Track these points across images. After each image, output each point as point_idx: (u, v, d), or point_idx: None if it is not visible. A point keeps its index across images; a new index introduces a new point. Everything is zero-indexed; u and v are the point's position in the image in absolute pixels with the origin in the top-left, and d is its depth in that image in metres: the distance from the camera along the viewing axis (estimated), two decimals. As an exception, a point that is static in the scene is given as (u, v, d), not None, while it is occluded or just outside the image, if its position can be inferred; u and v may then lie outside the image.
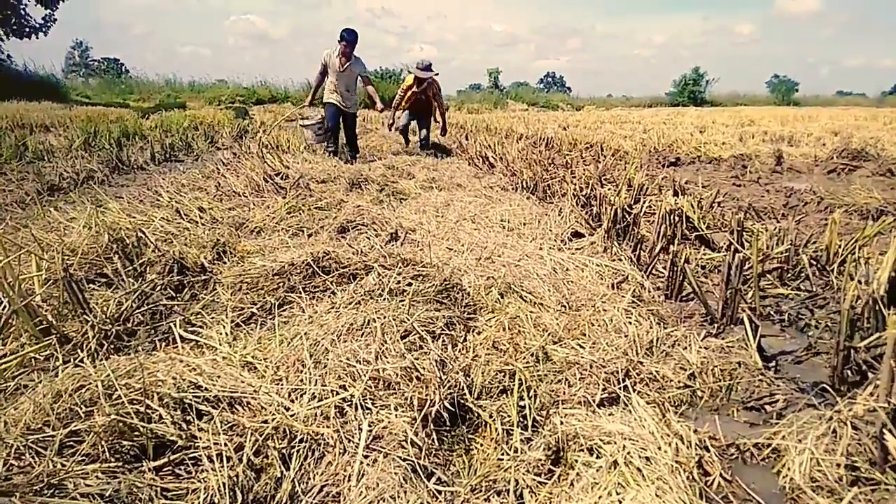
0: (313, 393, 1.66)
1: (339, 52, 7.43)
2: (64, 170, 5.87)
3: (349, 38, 7.43)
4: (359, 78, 7.78)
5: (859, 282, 2.17)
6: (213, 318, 2.32)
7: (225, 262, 2.96)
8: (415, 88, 8.80)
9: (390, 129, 9.69)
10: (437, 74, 8.93)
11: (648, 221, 4.00)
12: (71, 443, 1.45)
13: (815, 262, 3.13)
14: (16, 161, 6.50)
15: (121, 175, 6.44)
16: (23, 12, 21.84)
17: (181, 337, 2.02)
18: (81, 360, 1.82)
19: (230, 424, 1.55)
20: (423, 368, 1.77)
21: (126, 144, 7.98)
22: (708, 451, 1.61)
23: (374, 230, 3.53)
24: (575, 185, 4.62)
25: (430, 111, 9.20)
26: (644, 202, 4.14)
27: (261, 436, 1.51)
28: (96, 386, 1.54)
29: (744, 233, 3.56)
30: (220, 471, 1.42)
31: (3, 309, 2.05)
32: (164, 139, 8.69)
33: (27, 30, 21.93)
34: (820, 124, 13.46)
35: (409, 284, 2.32)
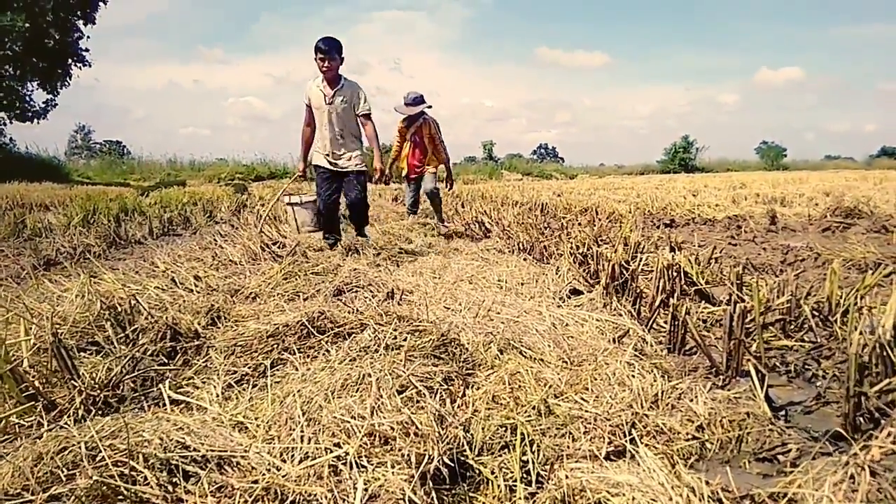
0: (306, 451, 1.59)
1: (321, 76, 5.23)
2: (61, 245, 5.88)
3: (325, 46, 5.06)
4: (355, 113, 5.35)
5: (862, 333, 2.12)
6: (204, 379, 2.25)
7: (219, 328, 2.91)
8: (408, 128, 7.38)
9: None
10: (429, 107, 7.35)
11: (647, 277, 3.97)
12: (50, 508, 1.37)
13: (817, 313, 3.08)
14: (13, 238, 6.53)
15: (118, 249, 6.44)
16: (27, 97, 22.42)
17: (170, 399, 1.96)
18: (66, 424, 1.76)
19: (219, 486, 1.47)
20: (421, 423, 1.70)
21: (125, 220, 8.02)
22: (721, 503, 1.53)
23: (371, 291, 3.50)
24: (571, 244, 4.62)
25: (423, 162, 7.53)
26: (641, 259, 4.13)
27: (251, 497, 1.44)
28: (79, 447, 1.48)
29: (743, 286, 3.54)
30: (208, 535, 1.34)
31: (-12, 375, 2.00)
32: (162, 214, 8.74)
33: (30, 114, 22.45)
34: (811, 185, 13.64)
35: (406, 339, 2.27)
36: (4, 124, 22.41)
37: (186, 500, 1.42)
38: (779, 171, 31.80)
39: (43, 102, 22.83)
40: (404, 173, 7.68)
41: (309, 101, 5.41)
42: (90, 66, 23.49)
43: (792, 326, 3.02)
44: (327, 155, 5.41)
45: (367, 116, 5.39)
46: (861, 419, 1.94)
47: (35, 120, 22.67)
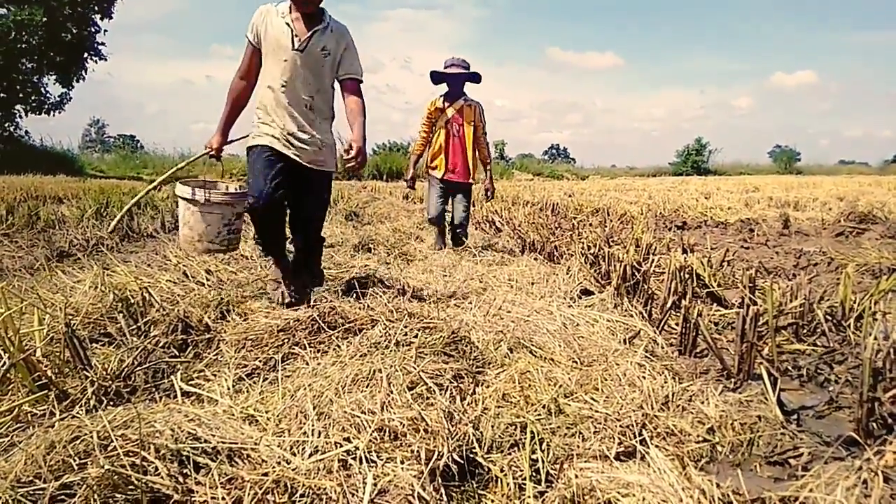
0: (316, 445, 1.60)
1: (291, 3, 3.20)
2: (74, 237, 5.92)
3: None
4: (335, 74, 3.32)
5: (876, 338, 2.10)
6: (215, 372, 2.26)
7: (229, 321, 2.92)
8: (445, 108, 5.32)
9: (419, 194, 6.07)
10: (477, 80, 5.40)
11: (658, 279, 3.96)
12: (62, 496, 1.38)
13: (830, 318, 3.06)
14: (27, 230, 6.57)
15: (131, 242, 6.47)
16: (42, 90, 22.57)
17: (182, 391, 1.97)
18: (78, 414, 1.77)
19: (229, 477, 1.48)
20: (431, 419, 1.70)
21: (137, 214, 8.06)
22: (732, 505, 1.52)
23: (381, 288, 3.50)
24: (582, 245, 4.60)
25: (466, 167, 5.41)
26: (653, 260, 4.11)
27: (261, 489, 1.44)
28: (91, 437, 1.49)
29: (755, 290, 3.51)
30: (217, 526, 1.34)
31: (0, 365, 2.01)
32: (175, 209, 8.78)
33: (45, 107, 22.60)
34: (825, 190, 13.54)
35: (416, 336, 2.27)
36: (20, 117, 22.57)
37: (197, 492, 1.43)
38: (792, 175, 31.56)
39: (58, 96, 23.00)
40: (439, 173, 5.38)
41: (259, 35, 3.24)
42: (106, 59, 23.62)
43: (804, 331, 3.00)
44: (283, 137, 3.21)
45: (358, 84, 3.31)
46: (874, 424, 1.93)
47: (51, 113, 22.83)
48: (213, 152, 3.44)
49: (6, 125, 22.16)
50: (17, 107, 22.39)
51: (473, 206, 6.47)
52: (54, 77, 22.65)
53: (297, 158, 3.26)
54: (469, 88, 5.47)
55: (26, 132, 23.25)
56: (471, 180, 5.50)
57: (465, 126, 5.33)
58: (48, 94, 22.86)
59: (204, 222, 3.14)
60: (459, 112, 5.35)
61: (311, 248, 3.61)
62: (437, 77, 5.36)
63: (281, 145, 3.23)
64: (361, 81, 3.36)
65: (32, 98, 22.29)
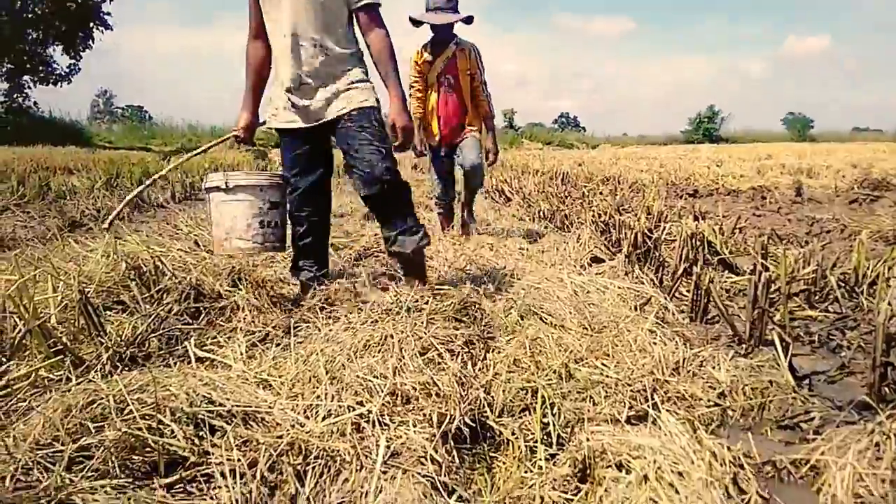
0: (329, 409, 1.61)
1: None
2: (85, 207, 5.95)
3: None
4: (346, 3, 2.70)
5: (890, 303, 2.09)
6: (228, 338, 2.28)
7: (241, 290, 2.93)
8: (435, 60, 4.40)
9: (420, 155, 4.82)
10: (468, 21, 4.36)
11: (669, 247, 3.94)
12: (80, 458, 1.41)
13: (843, 284, 3.04)
14: (39, 201, 6.60)
15: (141, 213, 6.51)
16: (49, 60, 22.53)
17: (196, 356, 1.99)
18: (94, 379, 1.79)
19: (244, 440, 1.50)
20: (443, 384, 1.71)
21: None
22: (743, 468, 1.53)
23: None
24: (593, 213, 4.58)
25: (463, 122, 4.49)
26: (664, 228, 4.08)
27: (275, 451, 1.46)
28: (108, 400, 1.51)
29: (768, 256, 3.49)
30: (234, 487, 1.36)
31: (16, 331, 2.04)
32: (184, 179, 8.79)
33: (53, 77, 22.58)
34: (838, 157, 13.36)
35: (427, 303, 2.28)
36: (28, 88, 22.58)
37: (213, 454, 1.45)
38: (805, 142, 31.18)
39: (67, 67, 22.96)
40: (434, 139, 4.52)
41: None
42: (111, 29, 23.50)
43: (817, 297, 2.99)
44: (289, 90, 2.68)
45: (374, 10, 2.70)
46: (887, 389, 1.92)
47: (59, 83, 22.81)
48: (241, 135, 2.90)
49: (15, 96, 22.16)
50: (25, 78, 22.36)
51: None
52: (61, 48, 22.57)
53: (307, 115, 2.69)
54: (459, 29, 4.43)
55: (35, 103, 23.27)
56: (470, 127, 4.47)
57: (461, 76, 4.37)
58: (55, 65, 22.81)
59: (229, 214, 2.71)
60: (452, 62, 4.36)
61: (388, 213, 2.74)
62: (417, 23, 4.37)
63: (287, 106, 2.70)
64: (379, 4, 2.70)
65: (40, 69, 22.26)
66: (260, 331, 2.40)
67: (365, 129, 2.61)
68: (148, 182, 3.22)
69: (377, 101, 2.71)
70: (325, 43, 2.64)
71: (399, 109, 2.65)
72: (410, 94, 4.45)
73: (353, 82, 2.68)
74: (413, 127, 2.66)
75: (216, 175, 2.75)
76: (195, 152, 3.41)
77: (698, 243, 3.60)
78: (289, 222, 2.94)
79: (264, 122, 2.91)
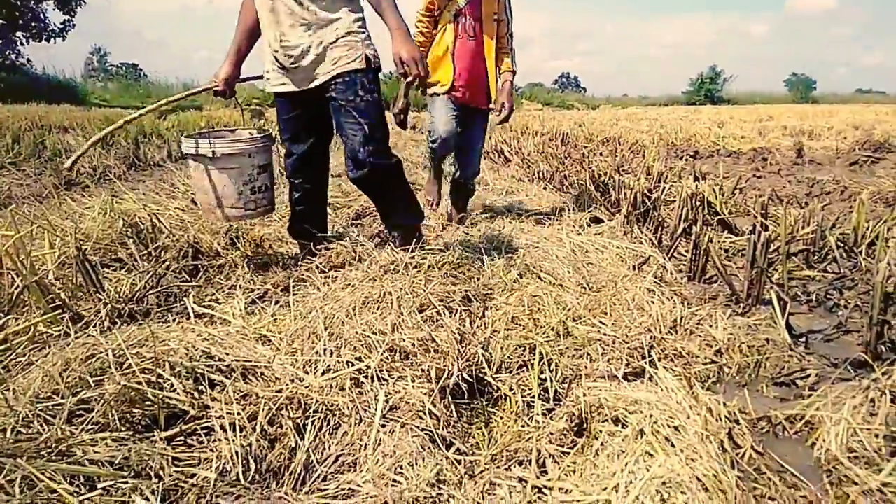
0: (328, 364, 1.62)
1: None
2: (81, 165, 5.89)
3: None
4: None
5: (889, 263, 2.08)
6: (227, 295, 2.29)
7: (238, 248, 2.93)
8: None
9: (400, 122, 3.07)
10: None
11: (668, 208, 3.92)
12: (80, 411, 1.41)
13: (842, 244, 3.04)
14: (34, 159, 6.54)
15: (138, 171, 6.46)
16: (42, 16, 22.14)
17: (195, 313, 1.99)
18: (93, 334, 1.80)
19: (243, 394, 1.51)
20: (441, 340, 1.72)
21: (143, 142, 8.00)
22: (738, 423, 1.54)
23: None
24: (592, 173, 4.55)
25: (484, 84, 3.60)
26: (664, 188, 4.06)
27: (275, 405, 1.47)
28: (107, 355, 1.51)
29: (767, 216, 3.48)
30: (234, 440, 1.38)
31: (14, 287, 2.03)
32: (180, 138, 8.69)
33: (46, 34, 22.21)
34: (840, 119, 13.25)
35: (424, 259, 2.27)
36: (21, 44, 22.21)
37: (212, 407, 1.46)
38: (808, 104, 30.87)
39: (60, 23, 22.55)
40: (443, 88, 3.52)
41: None
42: (104, -15, 23.01)
43: (815, 257, 2.99)
44: (276, 52, 2.47)
45: None
46: (883, 347, 1.94)
47: (51, 40, 22.44)
48: (219, 87, 2.63)
49: (7, 53, 21.82)
50: (18, 34, 21.99)
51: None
52: (53, 2, 22.15)
53: (297, 76, 2.46)
54: None
55: (28, 60, 22.92)
56: (491, 105, 3.63)
57: (485, 22, 3.50)
58: (48, 21, 22.41)
59: (218, 182, 2.54)
60: (476, 1, 3.49)
61: (386, 200, 2.60)
62: None
63: (275, 78, 2.52)
64: None
65: (32, 25, 21.87)
66: (259, 288, 2.40)
67: (349, 102, 2.37)
68: (113, 126, 2.79)
69: (369, 57, 2.41)
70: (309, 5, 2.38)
71: (402, 40, 2.29)
72: (416, 34, 3.50)
73: (341, 36, 2.39)
74: (419, 55, 2.29)
75: (202, 141, 2.50)
76: (155, 105, 2.89)
77: (698, 203, 3.59)
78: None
79: (247, 79, 2.76)
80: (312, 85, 2.44)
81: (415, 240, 2.55)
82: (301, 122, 2.60)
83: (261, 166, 2.60)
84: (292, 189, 2.75)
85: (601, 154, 6.78)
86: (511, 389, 1.69)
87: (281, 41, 2.41)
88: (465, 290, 2.15)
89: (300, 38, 2.39)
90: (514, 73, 3.65)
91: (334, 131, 2.67)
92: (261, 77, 2.66)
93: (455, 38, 3.46)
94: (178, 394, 1.47)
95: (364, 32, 2.46)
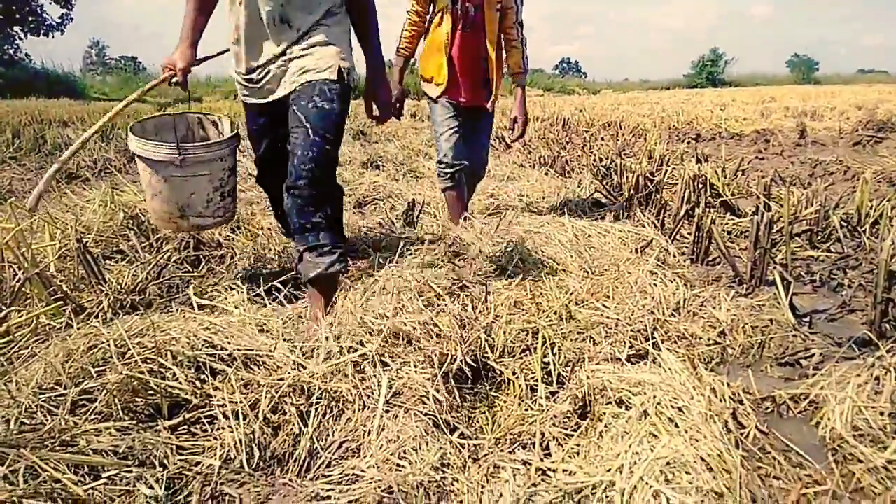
0: (330, 350, 1.61)
1: None
2: (82, 158, 5.89)
3: None
4: None
5: (893, 241, 2.07)
6: (228, 285, 2.28)
7: (239, 238, 2.92)
8: None
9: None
10: None
11: (671, 190, 3.90)
12: (83, 401, 1.42)
13: (845, 224, 3.02)
14: (34, 153, 6.53)
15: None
16: (39, 10, 22.07)
17: (197, 304, 1.99)
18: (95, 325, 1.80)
19: (245, 382, 1.51)
20: (443, 325, 1.71)
21: (143, 135, 7.96)
22: (742, 403, 1.54)
23: (391, 203, 3.48)
24: (594, 158, 4.53)
25: (485, 82, 3.13)
26: (666, 171, 4.04)
27: (277, 393, 1.47)
28: (108, 345, 1.51)
29: (770, 197, 3.46)
30: (237, 428, 1.38)
31: (15, 279, 2.03)
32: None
33: (44, 28, 22.15)
34: (843, 99, 13.15)
35: (426, 244, 2.26)
36: (20, 39, 22.17)
37: (215, 396, 1.46)
38: (810, 85, 30.66)
39: (59, 17, 22.48)
40: (438, 89, 3.09)
41: None
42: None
43: (819, 237, 2.97)
44: (240, 73, 2.25)
45: None
46: (887, 325, 1.93)
47: (49, 34, 22.37)
48: (176, 76, 2.19)
49: (5, 48, 21.78)
50: (16, 28, 21.94)
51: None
52: (50, -2, 22.08)
53: (258, 98, 2.22)
54: None
55: (27, 55, 22.88)
56: (489, 105, 3.16)
57: (487, 10, 2.99)
58: (46, 15, 22.34)
59: (184, 190, 2.15)
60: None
61: (303, 211, 2.04)
62: None
63: (240, 89, 2.28)
64: None
65: (31, 19, 21.82)
66: (260, 278, 2.40)
67: (304, 107, 2.02)
68: (70, 151, 2.20)
69: (342, 70, 2.09)
70: (285, 10, 2.08)
71: (377, 81, 2.19)
72: (404, 26, 3.14)
73: (312, 45, 2.10)
74: (391, 100, 2.19)
75: (163, 147, 2.11)
76: (124, 102, 2.31)
77: (700, 186, 3.57)
78: None
79: (205, 59, 2.28)
80: (273, 98, 2.16)
81: (319, 300, 2.02)
82: (265, 131, 2.34)
83: (231, 168, 2.28)
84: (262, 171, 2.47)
85: (602, 139, 6.74)
86: (514, 373, 1.69)
87: (254, 47, 2.12)
88: (464, 276, 2.14)
89: (273, 47, 2.10)
90: (524, 73, 3.21)
91: None
92: (223, 53, 2.29)
93: (452, 29, 2.99)
94: (180, 383, 1.46)
95: (342, 45, 2.16)
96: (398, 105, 2.87)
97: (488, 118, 3.25)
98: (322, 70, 2.06)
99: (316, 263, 2.01)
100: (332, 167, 2.10)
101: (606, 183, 4.05)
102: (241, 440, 1.35)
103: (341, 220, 2.35)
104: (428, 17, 3.09)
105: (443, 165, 3.11)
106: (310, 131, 1.99)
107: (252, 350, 1.60)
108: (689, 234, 3.01)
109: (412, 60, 3.21)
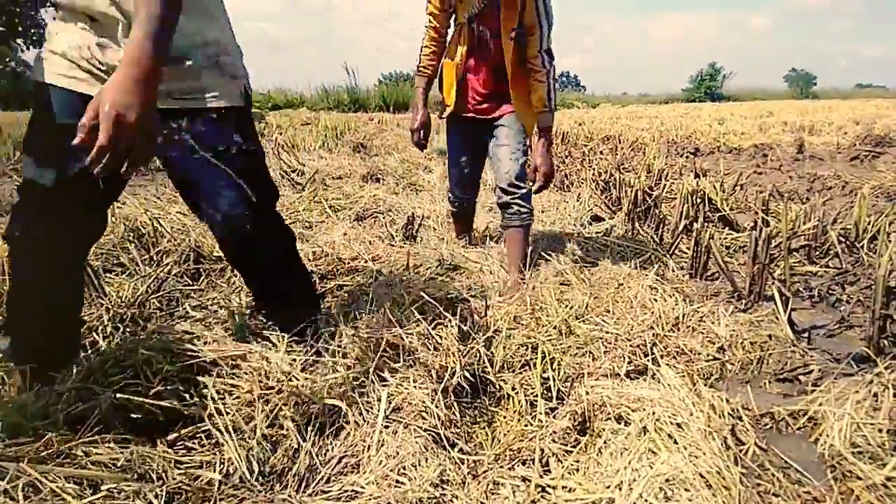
0: (329, 364, 1.61)
1: None
2: (82, 171, 5.90)
3: None
4: None
5: (891, 257, 2.08)
6: (229, 299, 2.28)
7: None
8: None
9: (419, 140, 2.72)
10: None
11: (670, 205, 3.92)
12: (81, 416, 1.41)
13: (843, 239, 3.04)
14: (35, 165, 6.54)
15: (138, 176, 6.45)
16: (41, 23, 22.17)
17: (196, 316, 1.99)
18: (95, 342, 1.81)
19: (242, 397, 1.50)
20: (442, 338, 1.72)
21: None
22: (741, 420, 1.54)
23: (391, 216, 3.50)
24: (593, 172, 4.55)
25: (503, 93, 2.63)
26: (664, 186, 4.06)
27: (275, 408, 1.47)
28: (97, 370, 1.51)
29: (768, 212, 3.48)
30: (235, 443, 1.37)
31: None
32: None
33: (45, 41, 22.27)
34: (840, 114, 13.21)
35: (425, 258, 2.27)
36: (21, 51, 22.25)
37: (211, 411, 1.46)
38: (808, 99, 30.80)
39: (59, 29, 22.59)
40: (446, 111, 2.77)
41: None
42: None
43: (817, 253, 2.98)
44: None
45: None
46: (886, 342, 1.93)
47: (52, 47, 22.46)
48: None
49: (7, 60, 21.88)
50: (18, 41, 22.05)
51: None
52: (53, 9, 22.20)
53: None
54: None
55: (28, 66, 22.96)
56: (511, 108, 2.65)
57: (504, 35, 2.56)
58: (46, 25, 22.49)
59: None
60: (493, 3, 2.55)
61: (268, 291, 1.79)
62: None
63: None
64: None
65: (32, 31, 21.92)
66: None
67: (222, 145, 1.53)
68: None
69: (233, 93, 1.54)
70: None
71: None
72: (423, 41, 2.77)
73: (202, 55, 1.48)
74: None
75: None
76: None
77: (699, 200, 3.58)
78: None
79: None
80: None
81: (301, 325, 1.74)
82: None
83: None
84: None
85: (601, 152, 6.76)
86: (514, 388, 1.69)
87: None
88: (465, 290, 2.14)
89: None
90: (549, 111, 2.63)
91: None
92: None
93: (468, 51, 2.66)
94: (168, 401, 1.46)
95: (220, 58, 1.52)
96: (423, 133, 2.68)
97: (511, 123, 2.65)
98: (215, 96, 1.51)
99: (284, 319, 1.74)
100: None
101: (606, 197, 4.07)
102: (239, 455, 1.35)
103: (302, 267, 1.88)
104: (449, 33, 2.76)
105: (451, 195, 2.99)
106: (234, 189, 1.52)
107: (250, 363, 1.60)
108: (688, 248, 3.02)
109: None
